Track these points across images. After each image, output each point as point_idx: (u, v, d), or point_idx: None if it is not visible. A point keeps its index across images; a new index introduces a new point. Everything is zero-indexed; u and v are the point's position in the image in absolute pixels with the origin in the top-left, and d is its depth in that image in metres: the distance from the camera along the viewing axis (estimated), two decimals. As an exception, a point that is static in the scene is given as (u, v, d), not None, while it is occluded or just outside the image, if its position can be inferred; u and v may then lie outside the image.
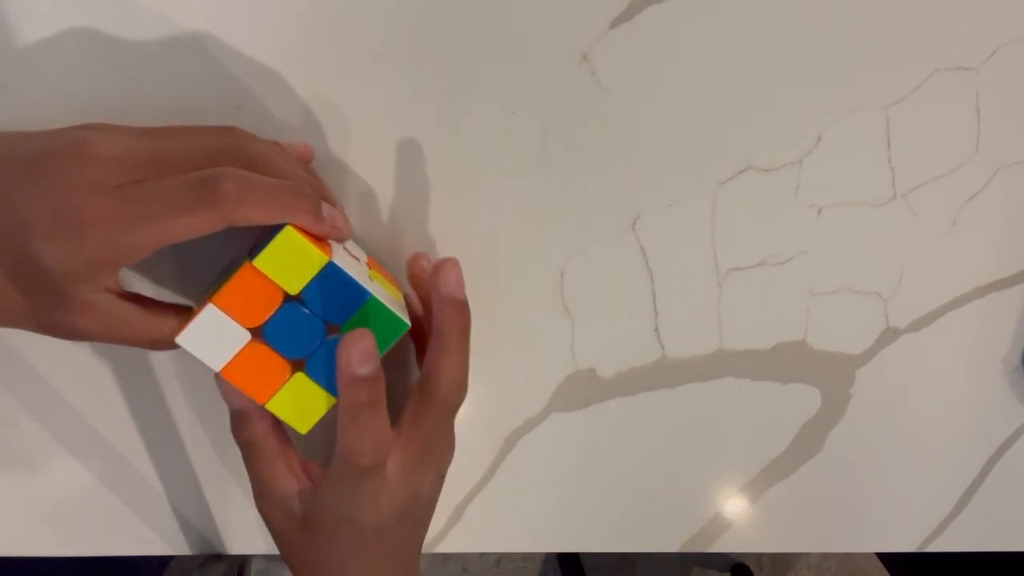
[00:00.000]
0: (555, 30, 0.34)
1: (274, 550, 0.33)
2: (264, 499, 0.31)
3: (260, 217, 0.26)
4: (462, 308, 0.31)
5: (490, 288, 0.37)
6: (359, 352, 0.26)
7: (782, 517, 0.42)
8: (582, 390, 0.39)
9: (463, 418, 0.37)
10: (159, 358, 0.35)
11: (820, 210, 0.38)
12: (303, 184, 0.28)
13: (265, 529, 0.32)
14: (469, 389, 0.32)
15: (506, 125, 0.34)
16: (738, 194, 0.37)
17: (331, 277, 0.28)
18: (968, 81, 0.37)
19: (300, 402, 0.29)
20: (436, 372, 0.30)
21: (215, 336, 0.27)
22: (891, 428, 0.42)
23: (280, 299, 0.28)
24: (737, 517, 0.42)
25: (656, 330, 0.38)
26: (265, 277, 0.27)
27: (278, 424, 0.31)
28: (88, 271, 0.25)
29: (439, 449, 0.32)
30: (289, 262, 0.27)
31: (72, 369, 0.35)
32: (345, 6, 0.32)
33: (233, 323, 0.27)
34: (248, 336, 0.28)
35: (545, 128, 0.35)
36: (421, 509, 0.32)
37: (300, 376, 0.29)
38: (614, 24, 0.34)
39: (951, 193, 0.38)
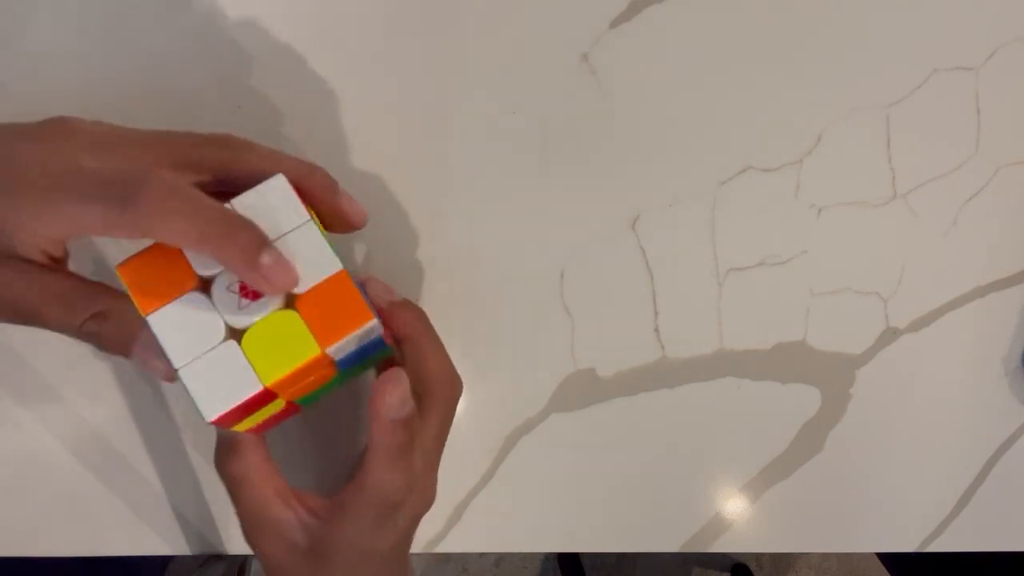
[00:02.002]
0: (555, 30, 0.34)
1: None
2: (261, 534, 0.28)
3: (179, 242, 0.23)
4: (403, 308, 0.30)
5: (490, 288, 0.36)
6: (400, 396, 0.25)
7: (782, 517, 0.42)
8: (582, 390, 0.39)
9: (463, 418, 0.37)
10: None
11: (820, 210, 0.38)
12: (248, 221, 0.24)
13: None
14: (469, 389, 0.32)
15: (506, 125, 0.34)
16: (738, 194, 0.37)
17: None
18: (968, 81, 0.37)
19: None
20: (425, 374, 0.29)
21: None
22: (891, 428, 0.42)
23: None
24: (737, 517, 0.42)
25: (656, 330, 0.38)
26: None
27: (268, 454, 0.29)
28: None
29: (438, 460, 0.31)
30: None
31: (72, 369, 0.35)
32: (345, 6, 0.32)
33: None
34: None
35: (545, 128, 0.35)
36: (416, 524, 0.31)
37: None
38: (614, 24, 0.34)
39: (951, 193, 0.38)
